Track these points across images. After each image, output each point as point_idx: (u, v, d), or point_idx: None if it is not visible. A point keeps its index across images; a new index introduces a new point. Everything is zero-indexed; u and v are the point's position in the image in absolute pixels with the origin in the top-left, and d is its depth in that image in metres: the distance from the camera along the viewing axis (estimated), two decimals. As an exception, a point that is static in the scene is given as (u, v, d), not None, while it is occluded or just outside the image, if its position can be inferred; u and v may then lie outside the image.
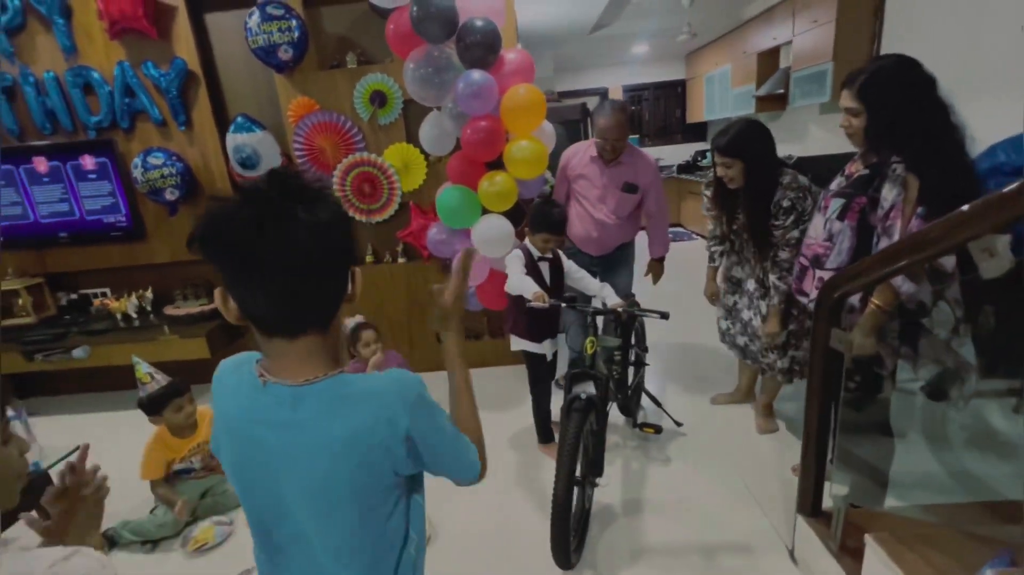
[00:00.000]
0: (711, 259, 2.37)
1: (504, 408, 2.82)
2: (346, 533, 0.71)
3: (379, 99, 2.81)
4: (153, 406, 2.04)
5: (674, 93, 7.45)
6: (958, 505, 1.50)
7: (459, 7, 2.33)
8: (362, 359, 2.56)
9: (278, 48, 2.59)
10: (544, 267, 2.17)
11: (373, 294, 3.16)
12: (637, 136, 7.45)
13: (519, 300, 2.07)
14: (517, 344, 2.32)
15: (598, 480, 1.87)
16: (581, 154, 2.55)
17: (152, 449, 2.08)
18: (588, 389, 1.78)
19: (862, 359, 1.43)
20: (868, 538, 1.27)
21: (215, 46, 2.91)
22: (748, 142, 1.90)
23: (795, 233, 1.88)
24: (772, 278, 1.98)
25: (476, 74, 2.32)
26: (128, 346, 2.91)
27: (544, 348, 2.28)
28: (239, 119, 2.76)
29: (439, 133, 2.70)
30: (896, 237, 1.35)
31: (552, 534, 1.64)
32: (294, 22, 2.58)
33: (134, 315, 3.14)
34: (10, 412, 1.63)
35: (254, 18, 2.55)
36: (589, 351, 1.92)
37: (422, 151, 2.87)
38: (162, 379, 2.09)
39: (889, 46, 3.86)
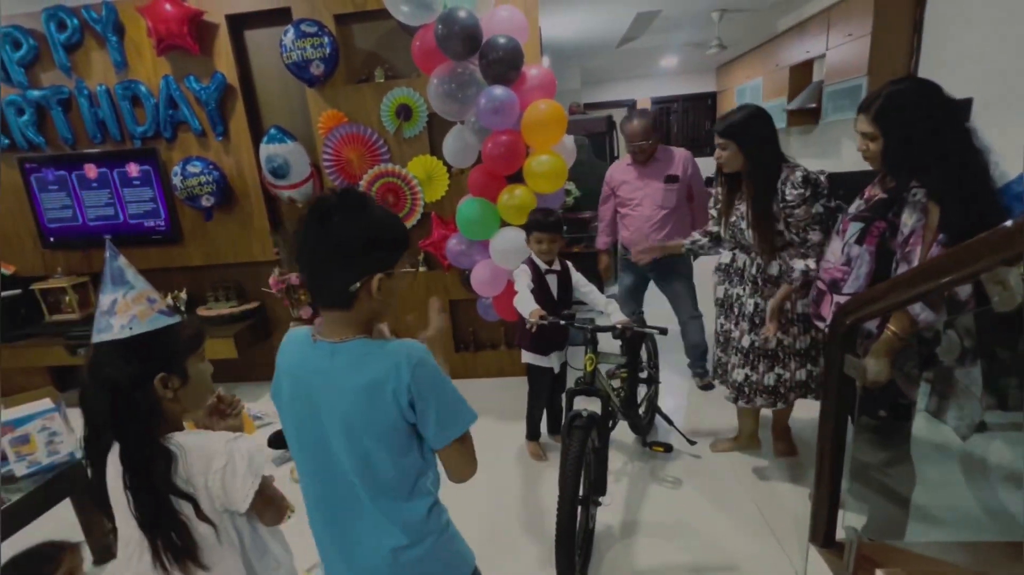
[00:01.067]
0: (690, 247, 2.26)
1: (514, 419, 2.82)
2: (367, 459, 0.89)
3: (405, 112, 2.89)
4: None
5: (704, 105, 7.38)
6: (981, 543, 1.43)
7: (483, 25, 2.39)
8: None
9: (310, 63, 2.70)
10: (552, 280, 2.18)
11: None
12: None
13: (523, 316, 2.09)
14: (525, 357, 2.34)
15: (601, 499, 1.85)
16: (620, 165, 2.84)
17: None
18: (589, 406, 1.78)
19: (887, 390, 1.39)
20: (879, 573, 1.23)
21: (252, 61, 3.05)
22: (742, 124, 1.85)
23: (819, 208, 1.79)
24: (808, 261, 1.82)
25: (498, 90, 2.37)
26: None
27: (551, 361, 2.30)
28: (272, 130, 2.89)
29: (462, 146, 2.76)
30: (915, 263, 1.32)
31: (556, 556, 1.62)
32: (326, 39, 2.69)
33: (169, 315, 3.29)
34: (50, 403, 1.73)
35: (289, 35, 2.68)
36: (588, 368, 1.91)
37: (445, 163, 2.94)
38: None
39: (927, 61, 3.75)
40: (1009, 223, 0.92)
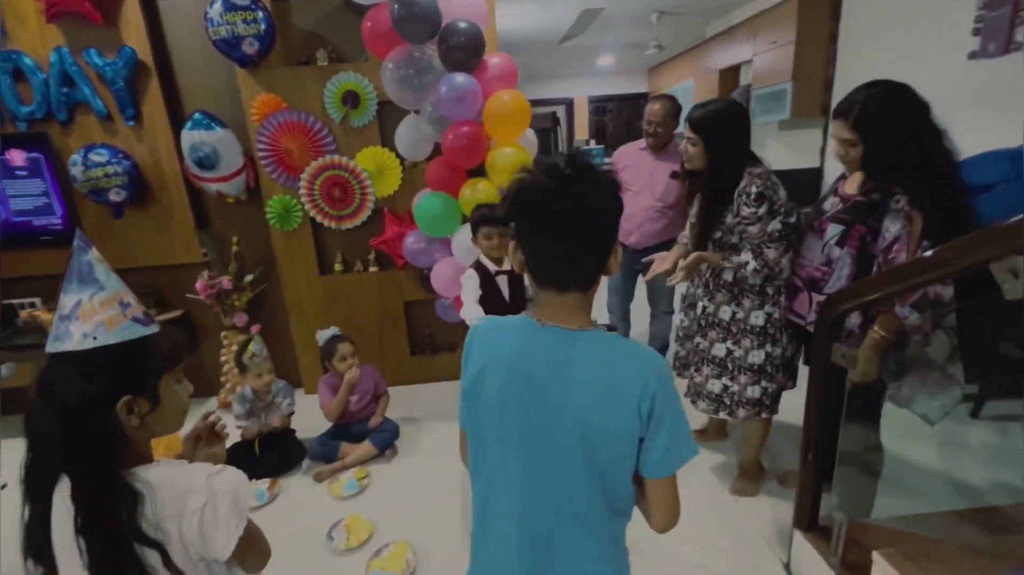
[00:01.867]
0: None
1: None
2: (599, 466, 0.77)
3: (352, 100, 2.67)
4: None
5: (637, 105, 7.62)
6: (947, 513, 1.54)
7: (441, 8, 2.24)
8: (337, 374, 2.40)
9: (243, 41, 2.41)
10: (503, 281, 2.06)
11: (343, 304, 2.99)
12: (603, 146, 7.56)
13: None
14: None
15: None
16: (630, 148, 2.81)
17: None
18: None
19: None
20: (876, 555, 1.27)
21: (168, 35, 2.68)
22: (716, 121, 1.73)
23: (776, 225, 1.70)
24: (752, 266, 1.73)
25: (460, 77, 2.24)
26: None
27: None
28: (197, 116, 2.55)
29: (416, 138, 2.60)
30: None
31: None
32: (260, 14, 2.41)
33: (69, 328, 2.83)
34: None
35: (216, 7, 2.36)
36: None
37: (397, 156, 2.75)
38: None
39: (843, 69, 4.08)
40: (1007, 222, 0.95)
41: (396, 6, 2.13)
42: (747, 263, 1.75)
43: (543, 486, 0.79)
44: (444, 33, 2.24)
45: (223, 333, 2.94)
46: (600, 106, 7.55)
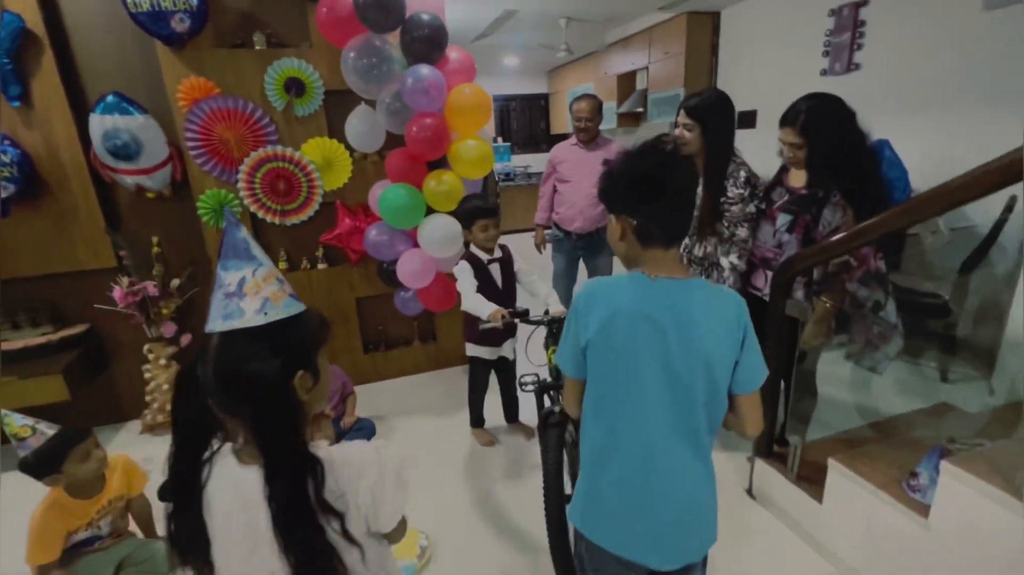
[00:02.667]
0: None
1: (448, 414, 2.76)
2: (717, 394, 0.93)
3: (296, 87, 2.52)
4: (47, 464, 1.54)
5: (538, 105, 8.00)
6: (863, 427, 1.97)
7: None
8: None
9: (171, 16, 2.16)
10: (495, 269, 2.12)
11: (288, 305, 2.81)
12: (509, 144, 7.81)
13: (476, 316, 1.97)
14: (473, 351, 2.26)
15: None
16: (564, 145, 3.08)
17: (45, 521, 1.57)
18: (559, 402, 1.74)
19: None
20: (831, 461, 1.61)
21: (63, 4, 2.29)
22: (713, 109, 1.89)
23: (751, 208, 1.94)
24: (731, 258, 1.96)
25: (425, 69, 2.26)
26: (-71, 398, 2.13)
27: (505, 350, 2.28)
28: (110, 98, 2.23)
29: (368, 128, 2.55)
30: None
31: (554, 559, 1.52)
32: (191, -12, 2.19)
33: (-68, 355, 2.30)
34: None
35: (136, -24, 2.10)
36: (553, 362, 1.82)
37: (347, 147, 2.66)
38: (48, 428, 1.59)
39: (723, 78, 4.76)
40: (925, 194, 1.30)
41: (361, -7, 2.09)
42: (730, 266, 1.96)
43: (670, 411, 0.92)
44: (408, 24, 2.24)
45: (147, 347, 2.60)
46: (504, 105, 7.79)
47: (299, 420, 0.74)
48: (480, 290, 1.99)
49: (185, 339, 2.67)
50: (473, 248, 2.11)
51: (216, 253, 2.61)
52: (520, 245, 2.11)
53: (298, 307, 0.78)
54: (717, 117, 1.94)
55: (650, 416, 0.93)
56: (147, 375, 2.63)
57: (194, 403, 0.75)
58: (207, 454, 0.79)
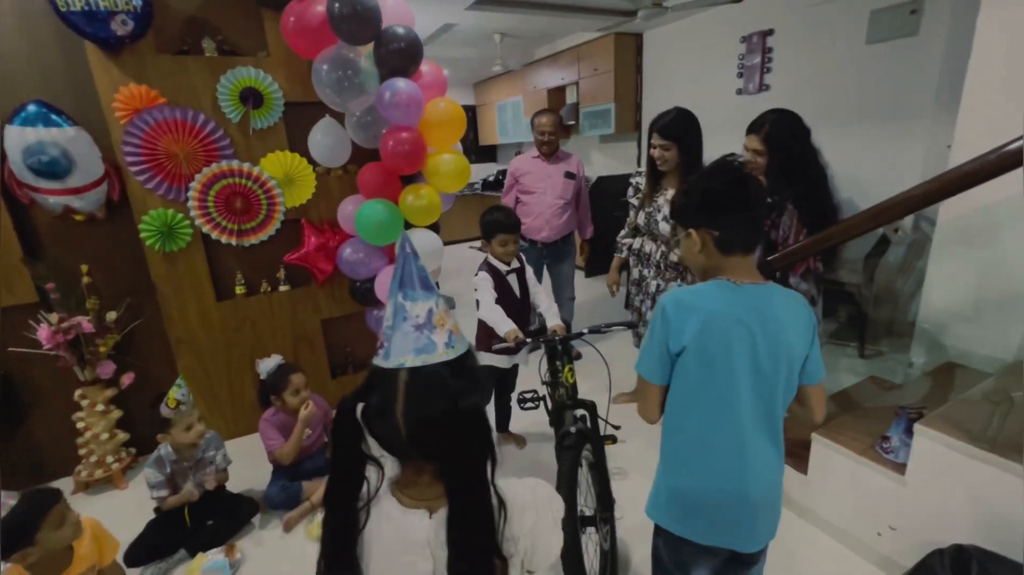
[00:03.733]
0: (619, 250, 2.57)
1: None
2: (792, 387, 1.04)
3: (253, 99, 2.35)
4: (18, 536, 1.30)
5: (467, 117, 8.04)
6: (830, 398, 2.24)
7: (375, 11, 2.19)
8: (287, 409, 2.13)
9: (112, 17, 1.93)
10: (513, 280, 2.12)
11: (247, 331, 2.59)
12: (439, 155, 7.74)
13: (489, 328, 1.96)
14: (487, 360, 2.17)
15: (614, 513, 1.69)
16: (525, 158, 3.13)
17: None
18: (577, 422, 1.70)
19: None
20: (814, 435, 1.83)
21: (-39, -3, 1.95)
22: (685, 127, 2.09)
23: None
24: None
25: (401, 83, 2.22)
26: None
27: (521, 358, 2.24)
28: (31, 107, 1.94)
29: (334, 142, 2.45)
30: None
31: None
32: (134, -12, 1.97)
33: None
34: None
35: (67, -29, 1.85)
36: (570, 380, 1.80)
37: (310, 161, 2.53)
38: (7, 497, 1.35)
39: (648, 95, 5.14)
40: (892, 200, 1.55)
41: (337, 4, 2.01)
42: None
43: (756, 404, 1.02)
44: (383, 37, 2.19)
45: (79, 392, 2.25)
46: (432, 116, 7.75)
47: (492, 452, 0.71)
48: (499, 300, 1.98)
49: (126, 379, 2.35)
50: (491, 259, 2.10)
51: (163, 279, 2.35)
52: (458, 254, 2.08)
53: (467, 342, 0.75)
54: (689, 134, 2.15)
55: (740, 411, 1.01)
56: (80, 425, 2.27)
57: (354, 445, 0.69)
58: (363, 500, 0.73)
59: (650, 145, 2.21)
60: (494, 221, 2.05)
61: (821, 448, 1.82)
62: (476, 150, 8.17)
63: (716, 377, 1.01)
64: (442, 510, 0.70)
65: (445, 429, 0.68)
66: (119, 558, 1.69)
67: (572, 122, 5.78)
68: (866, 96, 3.27)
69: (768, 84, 3.94)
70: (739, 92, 4.16)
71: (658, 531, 1.14)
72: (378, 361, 0.70)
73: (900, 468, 1.60)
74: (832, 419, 1.93)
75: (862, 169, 3.27)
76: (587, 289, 4.95)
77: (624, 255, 2.56)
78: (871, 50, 3.21)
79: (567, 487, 1.52)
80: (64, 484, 2.35)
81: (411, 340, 0.69)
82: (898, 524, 1.62)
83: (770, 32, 3.83)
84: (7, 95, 2.03)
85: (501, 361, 2.19)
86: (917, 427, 1.52)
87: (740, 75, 4.13)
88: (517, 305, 2.07)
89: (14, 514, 1.30)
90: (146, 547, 1.86)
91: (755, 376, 1.00)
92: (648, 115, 5.27)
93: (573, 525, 1.48)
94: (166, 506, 1.92)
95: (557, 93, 5.99)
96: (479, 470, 0.70)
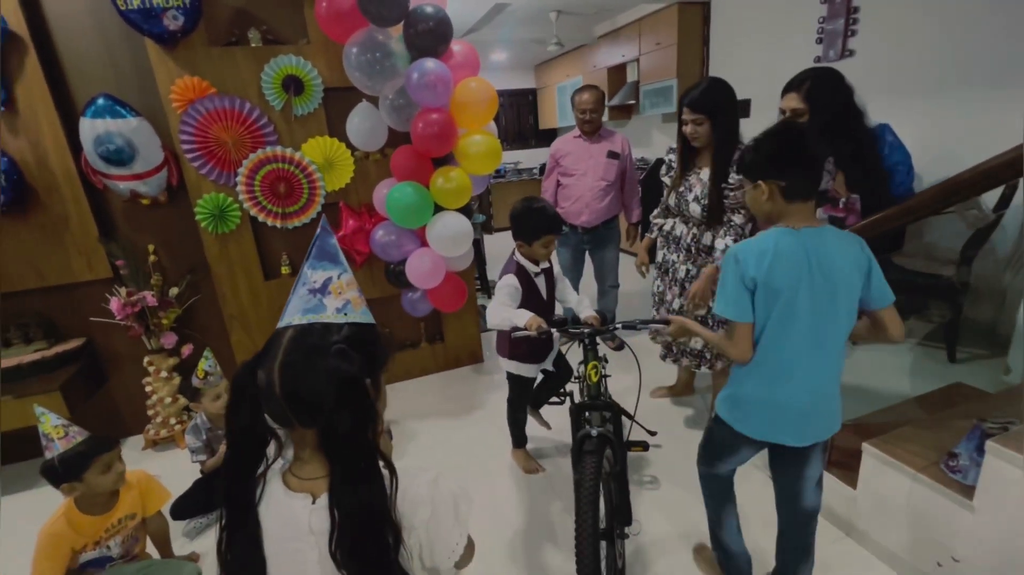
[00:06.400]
0: (650, 229, 2.41)
1: (464, 415, 2.72)
2: (852, 311, 1.18)
3: (295, 86, 2.45)
4: (70, 470, 1.47)
5: (526, 100, 7.95)
6: (885, 410, 1.98)
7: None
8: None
9: (164, 14, 2.07)
10: (540, 281, 1.91)
11: (293, 311, 2.73)
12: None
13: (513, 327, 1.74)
14: (514, 368, 2.03)
15: (627, 529, 1.57)
16: (566, 138, 2.99)
17: (53, 536, 1.48)
18: (599, 424, 1.53)
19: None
20: (865, 445, 1.61)
21: (46, 4, 2.18)
22: (720, 101, 1.89)
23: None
24: (727, 240, 1.95)
25: (431, 63, 2.20)
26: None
27: (547, 364, 2.08)
28: (101, 101, 2.13)
29: (371, 126, 2.49)
30: (839, 204, 1.76)
31: None
32: (183, -16, 2.09)
33: (-81, 378, 2.17)
34: None
35: (125, -28, 2.00)
36: (594, 378, 1.63)
37: (349, 146, 2.59)
38: (78, 434, 1.52)
39: (715, 68, 4.77)
40: (962, 177, 1.30)
41: (364, -15, 2.02)
42: (723, 248, 1.94)
43: (812, 328, 1.17)
44: (412, 17, 2.18)
45: (147, 359, 2.50)
46: (492, 101, 7.73)
47: (374, 424, 0.70)
48: (524, 304, 1.82)
49: (186, 350, 2.58)
50: (520, 258, 1.86)
51: (217, 259, 2.53)
52: (510, 242, 1.90)
53: (370, 319, 0.75)
54: (723, 107, 1.92)
55: (798, 333, 1.18)
56: (148, 388, 2.53)
57: (249, 410, 0.69)
58: (261, 468, 0.74)
59: (680, 120, 2.02)
60: (542, 222, 1.79)
61: (873, 460, 1.60)
62: (536, 134, 8.06)
63: (779, 305, 1.17)
64: (326, 494, 0.68)
65: (320, 388, 0.66)
66: (167, 510, 1.87)
67: (632, 101, 5.50)
68: (976, 59, 2.79)
69: (852, 49, 3.48)
70: (817, 60, 3.72)
71: (719, 420, 1.35)
72: (277, 326, 0.71)
73: (968, 491, 1.36)
74: (888, 428, 1.69)
75: (961, 145, 2.81)
76: (635, 277, 4.72)
77: (655, 235, 2.39)
78: (985, 2, 2.73)
79: (589, 495, 1.36)
80: (137, 440, 2.65)
81: (303, 302, 0.71)
82: (962, 555, 1.38)
83: (856, -11, 3.37)
84: (83, 89, 2.26)
85: (528, 370, 2.01)
86: (989, 445, 1.27)
87: (819, 40, 3.69)
88: (544, 306, 1.90)
89: (72, 451, 1.47)
90: (190, 503, 2.04)
91: (812, 304, 1.15)
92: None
93: (593, 540, 1.33)
94: (205, 468, 2.07)
95: (617, 71, 5.73)
96: (358, 437, 0.68)
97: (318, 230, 0.78)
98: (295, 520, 0.70)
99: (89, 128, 2.12)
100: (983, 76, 2.74)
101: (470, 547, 0.82)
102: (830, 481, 1.76)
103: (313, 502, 0.70)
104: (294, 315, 0.71)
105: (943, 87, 2.92)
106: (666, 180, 2.24)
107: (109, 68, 2.30)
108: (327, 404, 0.66)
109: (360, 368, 0.69)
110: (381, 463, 0.70)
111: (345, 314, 0.71)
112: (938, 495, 1.42)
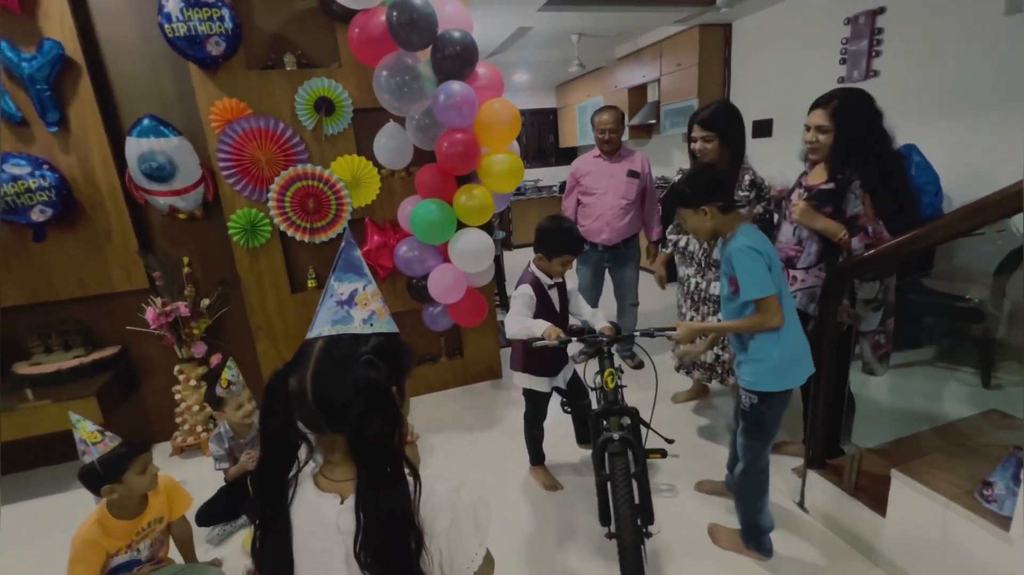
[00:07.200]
0: (666, 245, 2.51)
1: (484, 429, 2.72)
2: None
3: (326, 107, 2.55)
4: (110, 472, 1.52)
5: (547, 120, 8.06)
6: (917, 435, 1.92)
7: (432, 17, 2.26)
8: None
9: (207, 40, 2.19)
10: (554, 293, 1.97)
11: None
12: (519, 158, 7.84)
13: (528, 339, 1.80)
14: (527, 382, 2.06)
15: (650, 528, 1.61)
16: (586, 157, 3.04)
17: (88, 540, 1.53)
18: (619, 428, 1.63)
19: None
20: (894, 471, 1.57)
21: (99, 30, 2.33)
22: (727, 119, 2.04)
23: (759, 209, 2.08)
24: None
25: (457, 86, 2.27)
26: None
27: (557, 382, 2.09)
28: (146, 121, 2.25)
29: (397, 145, 2.56)
30: (867, 232, 1.73)
31: None
32: (226, 12, 2.21)
33: (-34, 381, 2.29)
34: None
35: (174, 1, 2.13)
36: (610, 385, 1.72)
37: (375, 163, 2.68)
38: (112, 438, 1.58)
39: (736, 88, 4.78)
40: (994, 196, 1.28)
41: (395, 13, 2.11)
42: None
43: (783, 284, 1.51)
44: (440, 41, 2.26)
45: (177, 367, 2.58)
46: (513, 120, 7.86)
47: (399, 430, 0.72)
48: (538, 315, 1.87)
49: (215, 359, 2.65)
50: (536, 269, 1.94)
51: (247, 271, 2.62)
52: (530, 258, 1.97)
53: (395, 328, 0.78)
54: (731, 127, 2.08)
55: (788, 297, 1.53)
56: (177, 396, 2.61)
57: (281, 415, 0.73)
58: (292, 472, 0.77)
59: (690, 138, 2.16)
60: (566, 242, 1.87)
61: (902, 487, 1.55)
62: (556, 152, 8.15)
63: (775, 274, 1.46)
64: (353, 496, 0.71)
65: (349, 395, 0.69)
66: (191, 516, 1.91)
67: (652, 121, 5.54)
68: (1002, 79, 2.75)
69: (876, 70, 3.47)
70: (841, 80, 3.72)
71: (764, 399, 1.54)
72: (307, 336, 0.75)
73: (1004, 522, 1.31)
74: (920, 454, 1.64)
75: (990, 165, 2.76)
76: (655, 295, 4.69)
77: (670, 251, 2.52)
78: (1010, 23, 2.70)
79: (624, 494, 1.48)
80: (164, 447, 2.73)
81: (331, 314, 0.74)
82: (999, 590, 1.33)
83: (880, 11, 3.38)
84: (130, 110, 2.40)
85: (541, 384, 2.04)
86: (1026, 473, 1.23)
87: (843, 61, 3.69)
88: (556, 319, 1.94)
89: (112, 453, 1.53)
90: (214, 510, 2.07)
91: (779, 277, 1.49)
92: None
93: (635, 540, 1.45)
94: (228, 477, 2.11)
95: (638, 91, 5.79)
96: (385, 443, 0.70)
97: (342, 243, 0.82)
98: (324, 519, 0.72)
99: (134, 146, 2.24)
100: (1011, 95, 2.70)
101: (489, 561, 0.83)
102: (857, 507, 1.71)
103: (342, 502, 0.73)
104: (323, 326, 0.74)
105: (970, 107, 2.89)
106: None
107: (154, 90, 2.44)
108: (356, 410, 0.69)
109: (387, 376, 0.72)
110: (406, 469, 0.72)
111: (371, 324, 0.75)
112: (972, 525, 1.37)
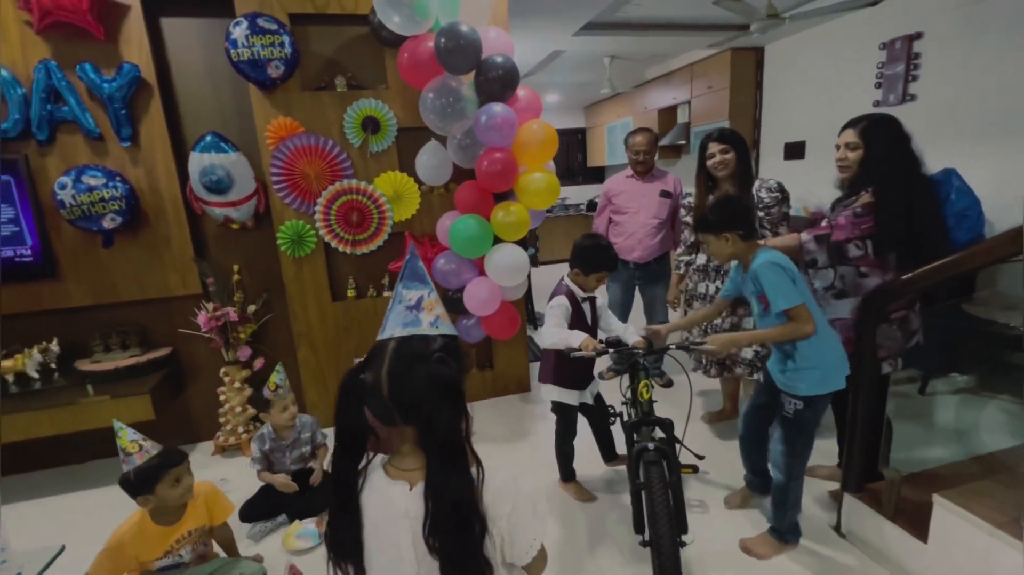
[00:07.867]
0: (677, 267, 2.67)
1: (516, 439, 2.76)
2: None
3: (372, 126, 2.69)
4: (144, 483, 1.57)
5: (576, 139, 8.18)
6: (962, 462, 1.88)
7: (476, 43, 2.38)
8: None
9: (268, 64, 2.36)
10: (587, 307, 2.03)
11: (355, 331, 2.90)
12: (547, 176, 7.95)
13: (562, 351, 1.87)
14: (556, 395, 2.10)
15: (684, 538, 1.62)
16: (618, 177, 3.14)
17: (120, 543, 1.56)
18: (652, 439, 1.66)
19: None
20: (936, 497, 1.54)
21: (171, 54, 2.53)
22: (740, 137, 2.29)
23: (786, 208, 2.29)
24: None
25: (497, 107, 2.38)
26: (30, 415, 2.26)
27: (585, 396, 2.13)
28: (208, 137, 2.42)
29: (438, 163, 2.68)
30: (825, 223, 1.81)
31: None
32: (286, 38, 2.38)
33: (35, 375, 2.45)
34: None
35: (240, 29, 2.30)
36: (646, 395, 1.77)
37: (416, 180, 2.80)
38: (152, 447, 1.66)
39: (768, 111, 4.81)
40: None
41: (443, 39, 2.24)
42: None
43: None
44: (484, 66, 2.37)
45: (223, 370, 2.71)
46: (543, 139, 8.00)
47: (468, 423, 0.79)
48: (571, 326, 1.92)
49: (258, 363, 2.77)
50: (569, 282, 2.01)
51: (292, 280, 2.75)
52: (557, 276, 2.05)
53: (456, 331, 0.86)
54: (743, 143, 2.29)
55: (810, 300, 1.60)
56: (222, 397, 2.73)
57: (355, 410, 0.80)
58: (363, 462, 0.84)
59: (704, 156, 2.32)
60: (604, 259, 1.94)
61: (945, 514, 1.53)
62: (584, 171, 8.25)
63: (800, 286, 1.57)
64: (422, 483, 0.77)
65: (422, 390, 0.76)
66: (234, 517, 1.98)
67: (682, 142, 5.59)
68: (1044, 102, 2.73)
69: (913, 94, 3.46)
70: (876, 104, 3.72)
71: (809, 404, 1.62)
72: (378, 338, 0.82)
73: (1052, 552, 1.29)
74: (963, 481, 1.62)
75: (1034, 189, 2.71)
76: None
77: (682, 272, 2.66)
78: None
79: (662, 501, 1.53)
80: (207, 446, 2.84)
81: (401, 317, 0.82)
82: (1048, 622, 1.30)
83: (917, 36, 3.38)
84: (194, 127, 2.58)
85: (569, 396, 2.08)
86: (1075, 502, 1.22)
87: (878, 85, 3.69)
88: (588, 331, 1.99)
89: (145, 465, 1.56)
90: (256, 508, 2.16)
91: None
92: (769, 131, 4.91)
93: (672, 545, 1.50)
94: (260, 478, 2.19)
95: (668, 113, 5.85)
96: (454, 433, 0.77)
97: (407, 255, 0.90)
98: (393, 505, 0.79)
99: (197, 161, 2.41)
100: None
101: (543, 555, 0.88)
102: (897, 533, 1.69)
103: (410, 489, 0.79)
104: (395, 328, 0.82)
105: (1011, 131, 2.86)
106: (687, 220, 2.52)
107: (215, 109, 2.62)
108: (428, 404, 0.76)
109: (456, 372, 0.78)
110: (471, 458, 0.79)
111: (437, 327, 0.82)
112: (1018, 554, 1.35)
